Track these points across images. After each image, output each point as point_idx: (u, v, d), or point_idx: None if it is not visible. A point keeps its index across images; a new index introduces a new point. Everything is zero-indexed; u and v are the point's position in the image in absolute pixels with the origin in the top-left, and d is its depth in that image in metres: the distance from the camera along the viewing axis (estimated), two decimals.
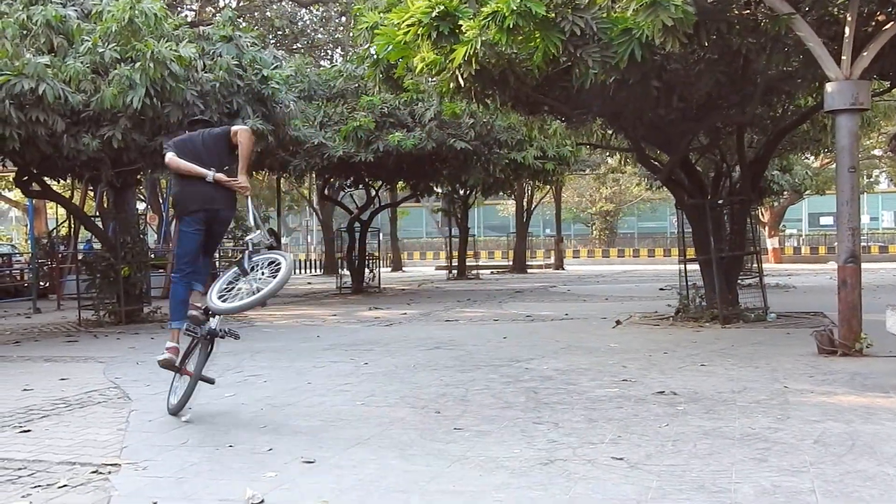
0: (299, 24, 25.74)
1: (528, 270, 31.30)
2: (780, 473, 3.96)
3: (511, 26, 7.15)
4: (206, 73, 10.96)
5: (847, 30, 7.53)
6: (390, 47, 8.68)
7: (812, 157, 25.95)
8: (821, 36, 7.75)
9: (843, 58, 7.52)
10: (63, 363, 8.42)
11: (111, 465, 4.38)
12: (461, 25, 7.64)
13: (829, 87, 7.61)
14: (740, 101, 10.43)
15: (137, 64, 10.03)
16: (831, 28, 8.28)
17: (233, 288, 5.47)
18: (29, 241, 22.89)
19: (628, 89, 8.76)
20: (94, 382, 7.11)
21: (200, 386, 5.62)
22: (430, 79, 11.26)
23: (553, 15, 7.34)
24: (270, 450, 4.62)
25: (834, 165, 9.61)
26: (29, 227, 23.99)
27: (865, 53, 7.56)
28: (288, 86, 12.99)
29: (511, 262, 32.52)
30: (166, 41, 10.35)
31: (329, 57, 28.50)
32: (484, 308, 14.52)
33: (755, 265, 11.61)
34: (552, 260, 36.29)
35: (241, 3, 24.81)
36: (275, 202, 29.63)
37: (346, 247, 19.57)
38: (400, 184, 22.37)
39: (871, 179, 39.61)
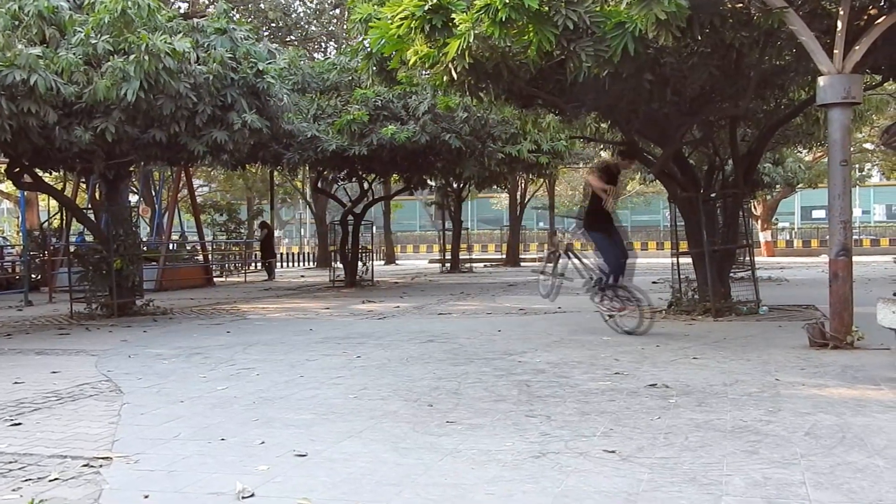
0: (293, 16, 25.65)
1: (522, 264, 31.31)
2: (770, 465, 3.97)
3: (504, 19, 7.13)
4: (199, 65, 10.91)
5: (839, 24, 7.53)
6: (384, 40, 8.65)
7: (805, 151, 25.98)
8: (813, 30, 7.74)
9: (836, 52, 7.53)
10: (54, 356, 8.39)
11: (103, 458, 4.37)
12: (454, 19, 7.62)
13: (821, 80, 7.62)
14: (733, 95, 10.43)
15: (132, 56, 9.97)
16: (824, 22, 8.28)
17: None
18: (21, 234, 22.80)
19: (622, 83, 8.74)
20: (86, 375, 7.09)
21: (195, 379, 5.80)
22: (423, 72, 11.23)
23: (546, 9, 7.32)
24: (262, 443, 4.61)
25: (826, 159, 9.61)
26: (21, 219, 23.89)
27: (858, 47, 7.56)
28: (281, 78, 12.95)
29: (504, 256, 32.53)
30: (161, 34, 10.29)
31: (323, 49, 28.42)
32: (477, 301, 14.53)
33: (747, 258, 11.64)
34: (546, 253, 36.31)
35: None
36: (268, 195, 29.60)
37: (340, 240, 19.55)
38: (394, 177, 22.36)
39: (864, 173, 39.68)
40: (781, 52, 9.52)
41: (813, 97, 8.85)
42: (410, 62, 8.62)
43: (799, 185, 30.80)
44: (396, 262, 36.51)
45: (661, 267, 21.66)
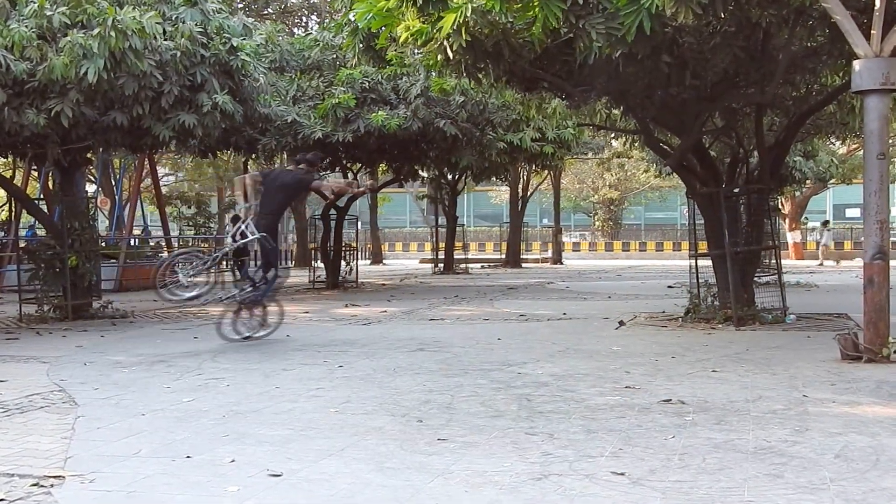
0: None
1: (523, 265, 31.36)
2: (797, 491, 3.98)
3: None
4: (166, 41, 10.88)
5: (877, 1, 7.55)
6: (371, 14, 8.65)
7: (838, 143, 26.07)
8: (849, 8, 7.75)
9: (874, 32, 7.54)
10: (1, 363, 8.37)
11: (54, 477, 4.36)
12: None
13: (856, 65, 7.64)
14: (760, 80, 10.46)
15: (95, 31, 9.92)
16: (860, 0, 8.31)
17: None
18: None
19: (636, 65, 8.77)
20: (37, 385, 7.08)
21: (158, 390, 5.96)
22: (415, 50, 11.24)
23: None
24: (233, 461, 4.61)
25: (862, 152, 9.65)
26: None
27: None
28: (257, 56, 12.94)
29: (504, 256, 32.56)
30: (128, 7, 10.25)
31: (304, 24, 28.41)
32: (473, 306, 14.54)
33: (773, 261, 11.67)
34: (549, 253, 36.39)
35: None
36: None
37: (321, 236, 19.54)
38: (381, 167, 22.35)
39: None
40: (813, 32, 9.55)
41: (848, 83, 8.88)
42: (401, 39, 8.63)
43: (831, 181, 30.90)
44: (384, 261, 36.53)
45: (677, 270, 21.72)
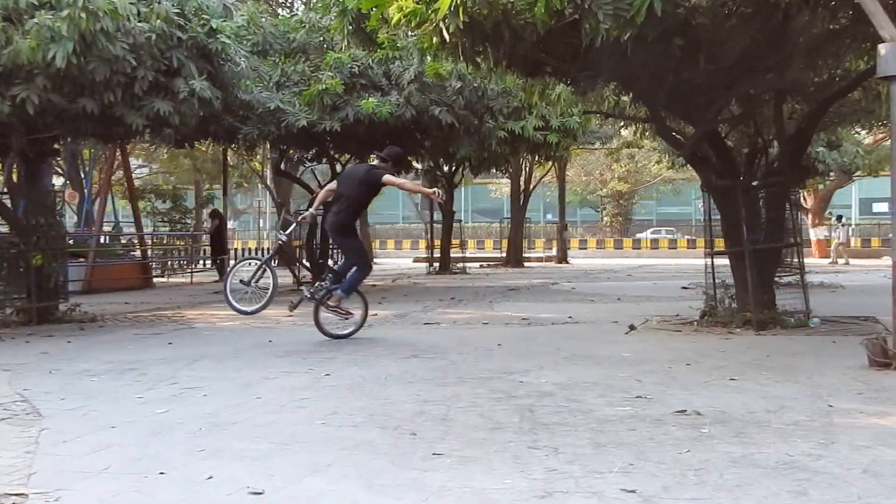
0: None
1: (525, 264, 31.37)
2: None
3: None
4: (140, 22, 10.84)
5: None
6: None
7: (864, 132, 26.10)
8: None
9: None
10: None
11: (16, 494, 4.34)
12: None
13: (882, 48, 7.62)
14: (778, 64, 10.45)
15: (64, 12, 9.89)
16: None
17: None
18: None
19: (646, 48, 8.74)
20: None
21: (129, 401, 5.88)
22: (409, 32, 11.23)
23: None
24: (210, 478, 4.60)
25: (889, 141, 9.65)
26: None
27: None
28: (238, 38, 12.92)
29: (505, 254, 32.59)
30: None
31: (288, 4, 28.39)
32: (471, 309, 14.53)
33: (796, 260, 11.67)
34: (554, 252, 36.43)
35: None
36: (220, 178, 29.53)
37: (307, 233, 19.51)
38: (372, 158, 22.37)
39: None
40: (836, 13, 9.54)
41: (873, 68, 8.87)
42: (393, 21, 8.60)
43: (857, 173, 30.97)
44: (374, 260, 36.53)
45: (692, 269, 21.75)
